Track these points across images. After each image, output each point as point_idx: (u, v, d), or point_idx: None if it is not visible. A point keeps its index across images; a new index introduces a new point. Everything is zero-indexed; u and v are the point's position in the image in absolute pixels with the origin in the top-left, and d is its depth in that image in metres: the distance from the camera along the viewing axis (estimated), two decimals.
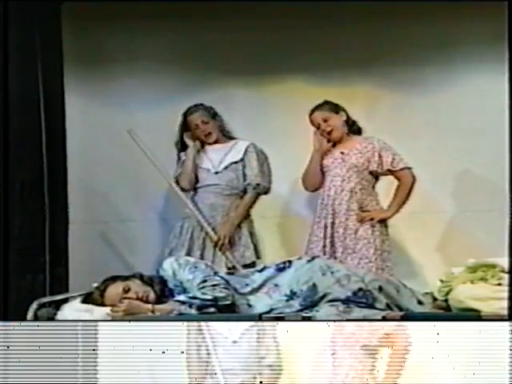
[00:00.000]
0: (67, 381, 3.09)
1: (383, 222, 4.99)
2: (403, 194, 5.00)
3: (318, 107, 5.09)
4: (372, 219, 4.95)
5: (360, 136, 5.10)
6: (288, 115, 5.83)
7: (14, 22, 4.43)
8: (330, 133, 5.06)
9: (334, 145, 5.10)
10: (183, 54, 5.83)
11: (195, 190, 5.19)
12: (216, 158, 5.18)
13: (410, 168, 4.99)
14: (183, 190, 5.21)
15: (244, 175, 5.16)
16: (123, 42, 5.82)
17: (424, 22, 5.61)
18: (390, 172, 5.01)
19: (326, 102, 5.10)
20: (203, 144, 5.24)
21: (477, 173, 5.68)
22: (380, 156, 4.99)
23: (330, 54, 5.73)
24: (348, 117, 5.10)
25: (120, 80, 5.87)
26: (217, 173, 5.16)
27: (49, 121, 4.69)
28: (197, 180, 5.21)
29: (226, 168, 5.16)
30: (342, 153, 5.04)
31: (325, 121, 5.05)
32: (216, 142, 5.22)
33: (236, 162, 5.16)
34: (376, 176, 5.05)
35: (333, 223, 4.97)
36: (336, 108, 5.08)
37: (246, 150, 5.18)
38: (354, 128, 5.11)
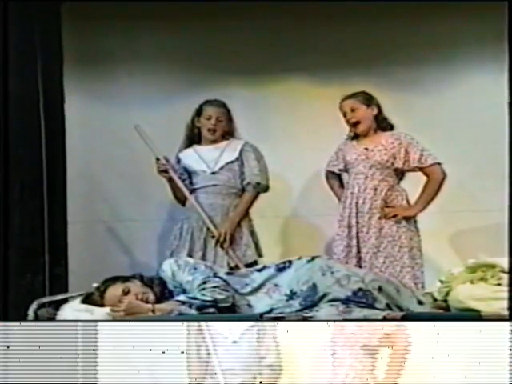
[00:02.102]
0: (67, 381, 3.09)
1: (410, 218, 4.92)
2: (431, 191, 4.90)
3: (351, 96, 4.98)
4: (395, 216, 4.87)
5: (387, 132, 5.00)
6: (288, 115, 5.84)
7: (14, 22, 4.43)
8: (355, 124, 4.97)
9: (358, 137, 5.02)
10: (183, 54, 5.83)
11: (193, 191, 5.18)
12: (210, 158, 5.16)
13: (439, 163, 4.91)
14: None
15: (241, 174, 5.15)
16: (123, 42, 5.83)
17: (424, 21, 5.61)
18: (419, 169, 4.91)
19: (362, 92, 5.00)
20: (199, 138, 5.23)
21: (477, 172, 5.68)
22: (406, 152, 4.89)
23: (330, 54, 5.73)
24: (380, 112, 5.00)
25: (120, 80, 5.88)
26: (213, 173, 5.15)
27: (49, 121, 4.69)
28: (192, 182, 5.21)
29: (221, 168, 5.15)
30: (366, 149, 4.94)
31: (352, 110, 4.96)
32: (213, 140, 5.20)
33: (232, 162, 5.15)
34: (401, 172, 4.98)
35: (357, 222, 4.90)
36: (369, 101, 4.97)
37: (241, 149, 5.16)
38: (383, 124, 5.00)
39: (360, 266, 4.77)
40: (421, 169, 4.93)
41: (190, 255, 4.96)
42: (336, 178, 5.15)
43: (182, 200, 5.25)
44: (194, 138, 5.24)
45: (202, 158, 5.18)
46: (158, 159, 5.14)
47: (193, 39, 5.76)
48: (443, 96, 5.77)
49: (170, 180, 5.17)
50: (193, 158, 5.20)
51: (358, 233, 4.90)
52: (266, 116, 5.85)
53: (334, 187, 5.16)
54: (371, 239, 4.87)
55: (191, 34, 5.75)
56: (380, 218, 4.87)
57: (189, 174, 5.22)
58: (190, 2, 5.42)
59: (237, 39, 5.74)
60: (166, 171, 5.13)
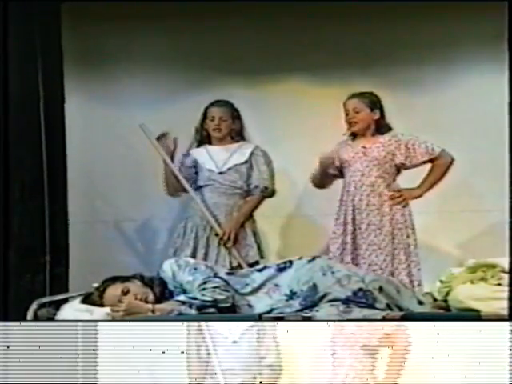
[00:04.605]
0: (67, 381, 3.09)
1: (409, 215, 4.93)
2: (438, 174, 4.93)
3: (356, 95, 4.99)
4: (405, 199, 4.90)
5: (384, 134, 5.01)
6: (288, 115, 5.83)
7: (14, 22, 4.43)
8: (352, 124, 4.98)
9: (355, 137, 5.03)
10: (183, 54, 5.83)
11: (198, 188, 5.20)
12: (220, 158, 5.19)
13: (444, 149, 4.92)
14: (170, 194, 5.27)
15: (249, 177, 5.17)
16: (123, 42, 5.83)
17: (424, 21, 5.61)
18: (429, 160, 4.92)
19: (369, 94, 5.01)
20: (209, 140, 5.25)
21: (476, 173, 5.68)
22: (408, 148, 4.91)
23: (330, 53, 5.73)
24: (382, 117, 5.00)
25: (120, 80, 5.88)
26: (221, 173, 5.18)
27: (49, 121, 4.69)
28: (196, 180, 5.22)
29: (229, 169, 5.18)
30: (364, 147, 4.96)
31: (355, 111, 4.96)
32: (221, 140, 5.22)
33: (241, 164, 5.18)
34: (398, 169, 4.98)
35: (353, 219, 4.92)
36: (373, 104, 4.97)
37: (251, 153, 5.19)
38: (382, 130, 5.00)
39: (357, 264, 4.79)
40: (431, 159, 4.93)
41: (193, 253, 4.99)
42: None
43: (171, 189, 5.24)
44: (203, 140, 5.27)
45: (212, 158, 5.20)
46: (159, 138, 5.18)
47: (193, 39, 5.76)
48: (443, 96, 5.77)
49: (166, 172, 5.19)
50: (203, 155, 5.23)
51: (354, 230, 4.92)
52: (267, 116, 5.85)
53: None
54: (370, 236, 4.88)
55: (191, 34, 5.75)
56: (389, 203, 4.87)
57: (196, 170, 5.23)
58: (189, 2, 5.42)
59: (237, 39, 5.74)
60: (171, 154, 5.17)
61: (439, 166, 4.94)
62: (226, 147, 5.22)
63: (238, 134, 5.25)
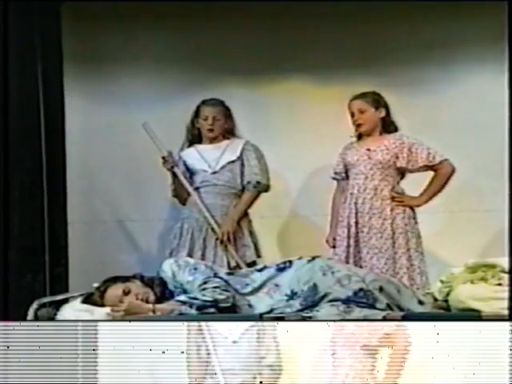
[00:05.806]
0: (67, 381, 3.09)
1: (413, 218, 4.94)
2: (439, 184, 4.93)
3: (359, 96, 4.99)
4: (404, 205, 4.89)
5: (391, 134, 5.00)
6: (288, 115, 5.83)
7: (14, 22, 4.43)
8: (359, 125, 4.98)
9: (360, 137, 5.03)
10: (183, 54, 5.83)
11: (194, 190, 5.19)
12: (212, 158, 5.18)
13: (447, 159, 4.93)
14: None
15: (242, 174, 5.16)
16: (123, 42, 5.83)
17: (424, 21, 5.62)
18: (428, 167, 4.93)
19: (371, 93, 5.00)
20: (200, 138, 5.23)
21: (477, 172, 5.68)
22: (411, 152, 4.90)
23: (330, 53, 5.73)
24: (388, 115, 5.00)
25: (120, 80, 5.88)
26: (214, 173, 5.17)
27: (49, 121, 4.70)
28: (192, 182, 5.21)
29: (222, 168, 5.17)
30: (369, 149, 4.95)
31: (360, 112, 4.96)
32: (212, 140, 5.21)
33: (233, 161, 5.17)
34: (402, 172, 4.99)
35: (356, 222, 4.91)
36: (377, 103, 4.97)
37: (242, 149, 5.18)
38: (390, 127, 5.00)
39: (360, 266, 4.78)
40: (430, 167, 4.93)
41: (189, 255, 4.99)
42: (340, 192, 5.12)
43: (182, 198, 5.26)
44: (194, 138, 5.26)
45: (204, 158, 5.19)
46: (164, 158, 5.16)
47: (193, 39, 5.76)
48: (443, 96, 5.77)
49: (174, 177, 5.19)
50: (194, 157, 5.22)
51: (357, 233, 4.91)
52: (266, 116, 5.85)
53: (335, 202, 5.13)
54: (372, 240, 4.88)
55: (191, 34, 5.75)
56: (393, 205, 4.87)
57: (190, 173, 5.23)
58: (189, 2, 5.42)
59: (237, 39, 5.74)
60: (172, 167, 5.16)
61: (440, 175, 4.94)
62: (217, 145, 5.20)
63: (229, 133, 5.24)
